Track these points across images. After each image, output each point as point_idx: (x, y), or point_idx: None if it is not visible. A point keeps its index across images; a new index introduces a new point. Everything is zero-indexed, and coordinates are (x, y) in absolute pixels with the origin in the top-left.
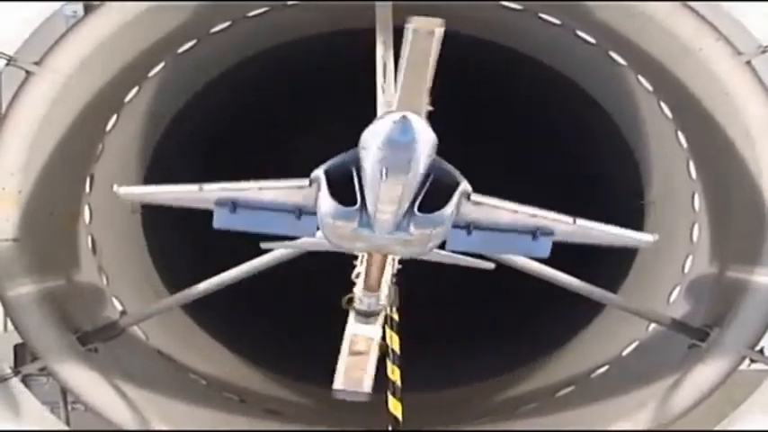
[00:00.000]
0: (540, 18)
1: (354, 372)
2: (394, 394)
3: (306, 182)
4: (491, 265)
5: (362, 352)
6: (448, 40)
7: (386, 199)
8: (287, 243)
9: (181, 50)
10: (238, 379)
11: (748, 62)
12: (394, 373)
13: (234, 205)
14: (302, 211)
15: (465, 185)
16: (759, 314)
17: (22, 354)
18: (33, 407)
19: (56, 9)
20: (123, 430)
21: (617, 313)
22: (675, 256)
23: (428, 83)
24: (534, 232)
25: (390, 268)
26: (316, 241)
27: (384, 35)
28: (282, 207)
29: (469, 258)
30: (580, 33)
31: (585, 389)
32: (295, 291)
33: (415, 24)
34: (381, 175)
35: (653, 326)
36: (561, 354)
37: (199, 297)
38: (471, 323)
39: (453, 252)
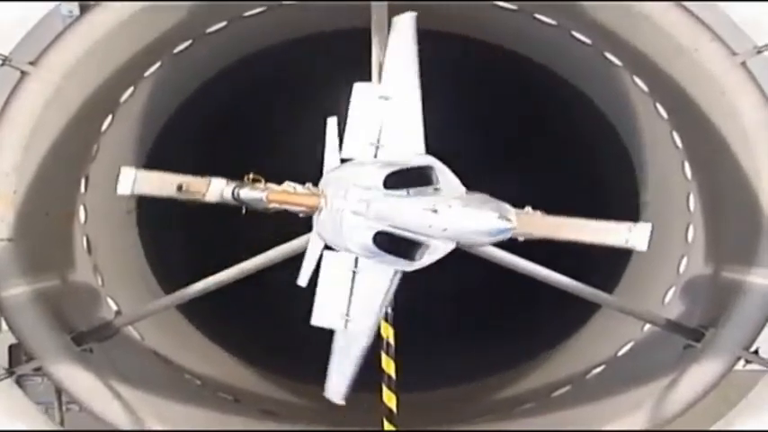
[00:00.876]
0: (536, 18)
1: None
2: (389, 387)
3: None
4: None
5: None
6: (443, 40)
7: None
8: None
9: (177, 50)
10: (233, 379)
11: (743, 63)
12: (389, 366)
13: None
14: None
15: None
16: (754, 315)
17: (16, 354)
18: (27, 407)
19: (51, 9)
20: (118, 430)
21: (612, 314)
22: (670, 257)
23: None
24: None
25: None
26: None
27: (379, 36)
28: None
29: None
30: (575, 34)
31: (581, 389)
32: (291, 291)
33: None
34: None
35: (648, 326)
36: (556, 354)
37: (194, 297)
38: (466, 323)
39: None
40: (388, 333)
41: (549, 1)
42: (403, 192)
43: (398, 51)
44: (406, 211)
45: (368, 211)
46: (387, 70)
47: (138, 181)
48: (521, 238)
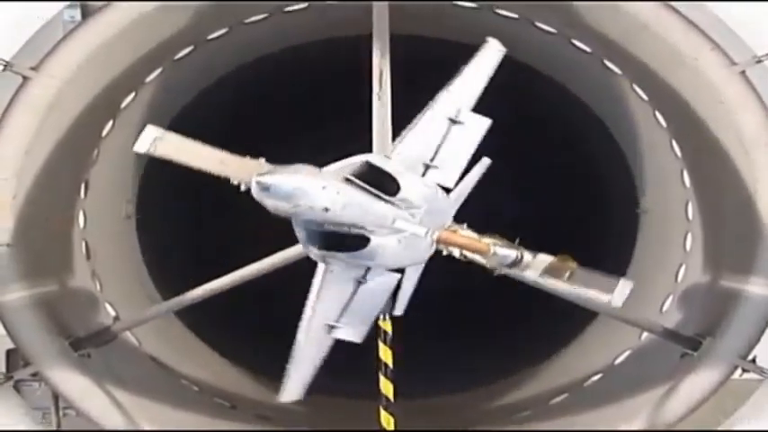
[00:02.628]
0: (535, 26)
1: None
2: (386, 409)
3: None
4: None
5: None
6: (441, 47)
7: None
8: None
9: (178, 57)
10: (230, 385)
11: (742, 72)
12: (386, 354)
13: None
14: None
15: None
16: (751, 324)
17: (14, 359)
18: (25, 412)
19: (53, 14)
20: (111, 430)
21: (610, 322)
22: (669, 265)
23: None
24: None
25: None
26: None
27: (380, 41)
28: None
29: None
30: (575, 42)
31: (579, 397)
32: (288, 297)
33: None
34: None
35: (646, 334)
36: (555, 362)
37: (192, 303)
38: (464, 331)
39: None
40: (387, 355)
41: (541, 1)
42: None
43: (476, 76)
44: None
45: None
46: (452, 90)
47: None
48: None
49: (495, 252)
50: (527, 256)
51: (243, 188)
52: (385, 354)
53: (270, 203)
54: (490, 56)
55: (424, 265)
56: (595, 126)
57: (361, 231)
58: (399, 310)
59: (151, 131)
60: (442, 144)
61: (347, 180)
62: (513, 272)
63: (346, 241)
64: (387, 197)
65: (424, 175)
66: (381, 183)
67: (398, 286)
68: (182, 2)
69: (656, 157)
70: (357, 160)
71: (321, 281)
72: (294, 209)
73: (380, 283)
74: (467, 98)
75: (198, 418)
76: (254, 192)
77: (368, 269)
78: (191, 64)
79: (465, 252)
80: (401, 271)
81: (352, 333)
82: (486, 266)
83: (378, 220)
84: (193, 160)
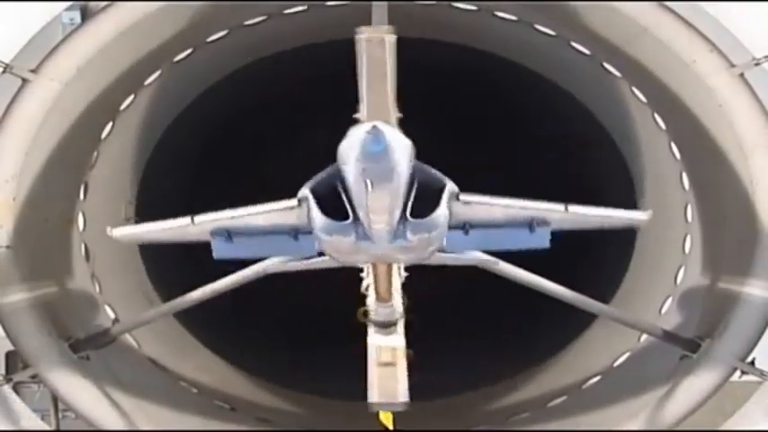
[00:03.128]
0: (535, 29)
1: (387, 382)
2: None
3: (294, 202)
4: (496, 261)
5: (390, 363)
6: (440, 49)
7: (376, 209)
8: (291, 265)
9: (177, 59)
10: (229, 387)
11: (741, 75)
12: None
13: (229, 234)
14: (298, 231)
15: (451, 186)
16: (750, 326)
17: (13, 361)
18: (24, 414)
19: (53, 17)
20: (109, 430)
21: (609, 324)
22: (668, 267)
23: (391, 90)
24: (531, 224)
25: (398, 276)
26: (320, 260)
27: None
28: (278, 230)
29: (474, 254)
30: (574, 44)
31: (577, 399)
32: (287, 300)
33: (366, 34)
34: (366, 187)
35: (645, 337)
36: (553, 364)
37: (191, 305)
38: (462, 333)
39: (454, 253)
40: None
41: (538, 0)
42: None
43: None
44: None
45: None
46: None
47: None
48: None
49: None
50: None
51: None
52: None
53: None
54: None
55: None
56: (594, 128)
57: None
58: None
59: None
60: None
61: None
62: None
63: None
64: None
65: None
66: None
67: None
68: (182, 2)
69: (654, 159)
70: None
71: None
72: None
73: None
74: None
75: (197, 420)
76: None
77: None
78: (190, 66)
79: None
80: None
81: None
82: None
83: None
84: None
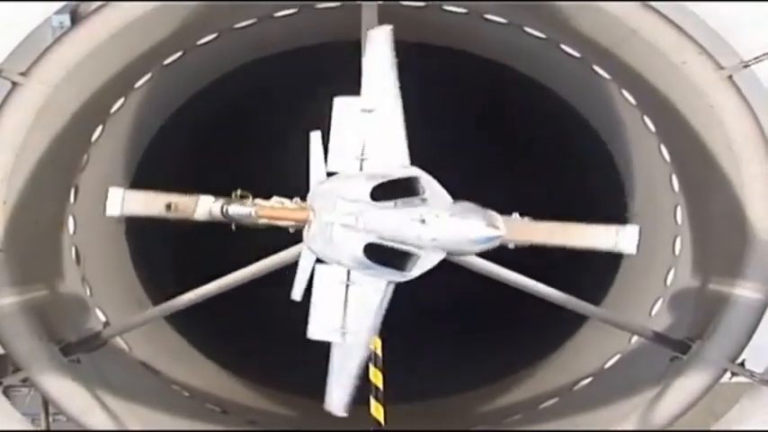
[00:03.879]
0: (525, 31)
1: None
2: (376, 398)
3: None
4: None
5: None
6: (431, 52)
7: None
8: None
9: (167, 62)
10: (221, 390)
11: (730, 77)
12: (376, 377)
13: None
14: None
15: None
16: (740, 327)
17: (3, 365)
18: (14, 418)
19: (43, 20)
20: (99, 430)
21: (600, 326)
22: (658, 269)
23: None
24: None
25: None
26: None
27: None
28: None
29: None
30: (564, 47)
31: (568, 401)
32: (277, 303)
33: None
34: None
35: (635, 338)
36: (544, 366)
37: (182, 308)
38: (454, 336)
39: None
40: (376, 345)
41: (523, 1)
42: (390, 203)
43: (376, 64)
44: (395, 222)
45: (357, 224)
46: (366, 83)
47: (126, 201)
48: (510, 245)
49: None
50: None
51: (233, 228)
52: (375, 377)
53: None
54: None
55: None
56: (584, 130)
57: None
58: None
59: (116, 193)
60: (366, 137)
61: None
62: None
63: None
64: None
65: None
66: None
67: None
68: (174, 2)
69: (644, 161)
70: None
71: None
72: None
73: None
74: (386, 86)
75: (189, 423)
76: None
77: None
78: (180, 69)
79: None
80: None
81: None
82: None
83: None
84: (161, 211)
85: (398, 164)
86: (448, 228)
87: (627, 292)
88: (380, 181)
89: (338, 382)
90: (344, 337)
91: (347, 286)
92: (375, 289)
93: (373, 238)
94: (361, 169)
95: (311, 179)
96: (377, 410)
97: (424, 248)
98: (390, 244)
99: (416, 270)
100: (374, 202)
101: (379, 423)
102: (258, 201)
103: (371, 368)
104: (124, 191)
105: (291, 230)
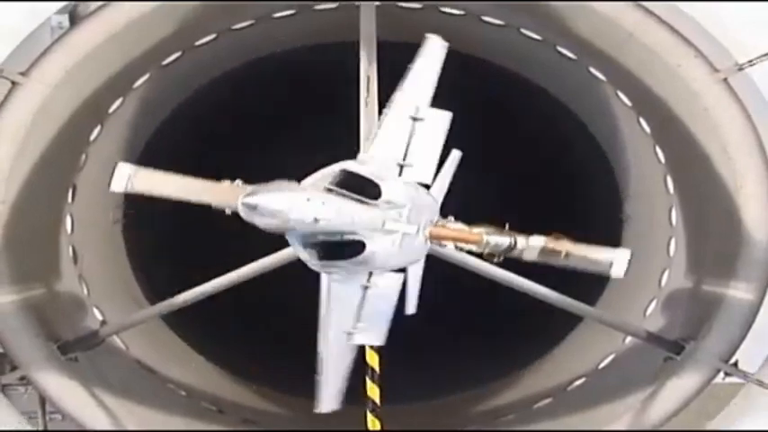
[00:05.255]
0: (521, 33)
1: None
2: (373, 412)
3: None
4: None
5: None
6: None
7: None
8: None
9: (166, 62)
10: (217, 389)
11: (725, 79)
12: (372, 359)
13: None
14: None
15: None
16: (734, 328)
17: (0, 364)
18: (12, 416)
19: (42, 21)
20: (96, 430)
21: (594, 326)
22: (652, 270)
23: None
24: None
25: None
26: None
27: (368, 46)
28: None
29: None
30: (560, 49)
31: (562, 401)
32: (274, 302)
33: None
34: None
35: (629, 339)
36: (539, 366)
37: (179, 308)
38: (448, 336)
39: None
40: (373, 360)
41: (515, 1)
42: None
43: (423, 74)
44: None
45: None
46: (405, 90)
47: (134, 179)
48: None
49: (488, 241)
50: (520, 240)
51: (228, 212)
52: (371, 358)
53: (260, 222)
54: (434, 51)
55: (423, 262)
56: (579, 132)
57: (356, 237)
58: (410, 309)
59: (124, 169)
60: (410, 143)
61: (329, 190)
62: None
63: (344, 249)
64: (371, 201)
65: (400, 174)
66: (363, 188)
67: (404, 286)
68: (172, 2)
69: (639, 162)
70: (334, 169)
71: (327, 292)
72: (285, 224)
73: (386, 286)
74: (422, 95)
75: (185, 421)
76: (243, 213)
77: (370, 274)
78: (178, 69)
79: (460, 245)
80: (404, 270)
81: (372, 337)
82: (484, 256)
83: (368, 224)
84: (172, 192)
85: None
86: None
87: (621, 293)
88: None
89: (328, 382)
90: (353, 338)
91: (366, 288)
92: (395, 285)
93: None
94: (400, 175)
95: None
96: (373, 424)
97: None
98: None
99: None
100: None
101: (374, 402)
102: None
103: (368, 382)
104: (134, 168)
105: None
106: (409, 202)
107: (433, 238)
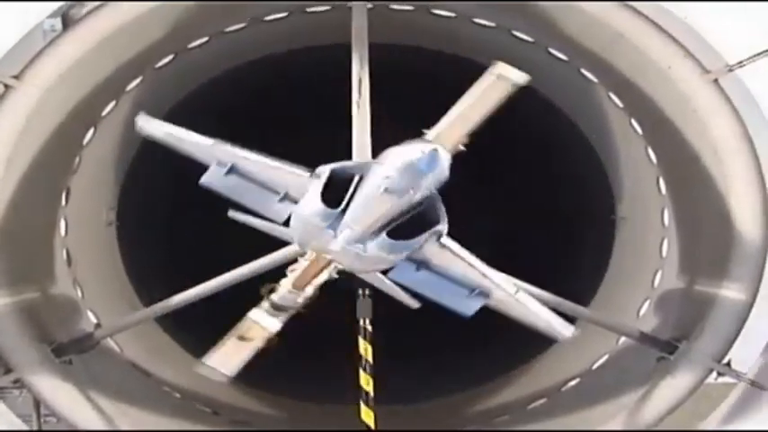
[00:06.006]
0: (513, 35)
1: (232, 355)
2: (367, 404)
3: (307, 173)
4: (416, 304)
5: (249, 339)
6: (417, 54)
7: (367, 212)
8: (251, 220)
9: (158, 65)
10: (211, 391)
11: (715, 80)
12: (366, 382)
13: (231, 168)
14: (286, 198)
15: (442, 227)
16: (726, 328)
17: None
18: (7, 418)
19: (35, 24)
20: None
21: (588, 327)
22: (645, 271)
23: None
24: (473, 289)
25: (326, 275)
26: (275, 227)
27: (359, 48)
28: (273, 187)
29: (399, 291)
30: (552, 51)
31: (557, 401)
32: None
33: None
34: (378, 191)
35: (623, 339)
36: (533, 367)
37: (173, 310)
38: (443, 337)
39: (394, 281)
40: (367, 352)
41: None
42: None
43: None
44: None
45: None
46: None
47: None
48: None
49: None
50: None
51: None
52: (365, 350)
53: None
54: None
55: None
56: (572, 133)
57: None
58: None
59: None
60: None
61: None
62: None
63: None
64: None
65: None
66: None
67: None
68: (166, 2)
69: (632, 164)
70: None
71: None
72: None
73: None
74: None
75: (179, 423)
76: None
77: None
78: (171, 72)
79: None
80: None
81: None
82: None
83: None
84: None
85: None
86: None
87: (615, 294)
88: None
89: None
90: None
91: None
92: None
93: None
94: None
95: None
96: (367, 415)
97: None
98: None
99: None
100: None
101: (368, 394)
102: None
103: (362, 373)
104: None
105: None
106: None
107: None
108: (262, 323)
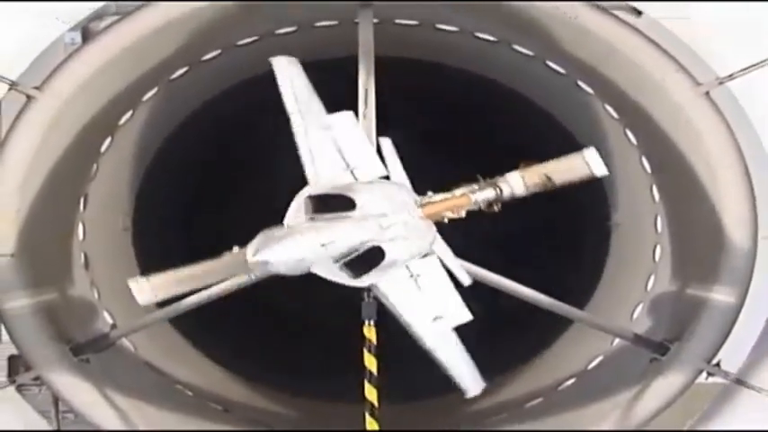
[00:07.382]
0: (513, 49)
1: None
2: (372, 414)
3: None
4: (468, 281)
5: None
6: (418, 68)
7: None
8: None
9: (173, 77)
10: (223, 389)
11: (707, 93)
12: (370, 362)
13: None
14: None
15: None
16: (716, 330)
17: (15, 365)
18: (27, 414)
19: (56, 38)
20: (108, 430)
21: (583, 328)
22: (639, 275)
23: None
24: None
25: None
26: None
27: (366, 60)
28: None
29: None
30: (550, 64)
31: (553, 401)
32: (280, 305)
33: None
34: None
35: (617, 340)
36: (530, 367)
37: (186, 311)
38: None
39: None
40: (371, 362)
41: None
42: None
43: (297, 92)
44: None
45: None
46: (296, 111)
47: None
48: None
49: (475, 199)
50: (502, 184)
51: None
52: (369, 362)
53: (282, 270)
54: (285, 69)
55: (438, 237)
56: (569, 143)
57: (369, 245)
58: (465, 281)
59: (140, 284)
60: (340, 148)
61: (311, 219)
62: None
63: (369, 260)
64: (352, 212)
65: (356, 178)
66: (341, 205)
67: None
68: (184, 2)
69: (626, 173)
70: (300, 201)
71: (388, 299)
72: (300, 264)
73: (430, 268)
74: (312, 107)
75: (192, 421)
76: (259, 272)
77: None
78: (185, 84)
79: (453, 213)
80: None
81: (457, 314)
82: (484, 210)
83: (372, 235)
84: (191, 286)
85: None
86: None
87: (610, 297)
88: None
89: (461, 364)
90: (442, 321)
91: (415, 277)
92: (436, 265)
93: None
94: (356, 179)
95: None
96: (370, 393)
97: None
98: None
99: None
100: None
101: (373, 405)
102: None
103: (366, 385)
104: (145, 279)
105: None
106: (386, 199)
107: (429, 216)
108: None
